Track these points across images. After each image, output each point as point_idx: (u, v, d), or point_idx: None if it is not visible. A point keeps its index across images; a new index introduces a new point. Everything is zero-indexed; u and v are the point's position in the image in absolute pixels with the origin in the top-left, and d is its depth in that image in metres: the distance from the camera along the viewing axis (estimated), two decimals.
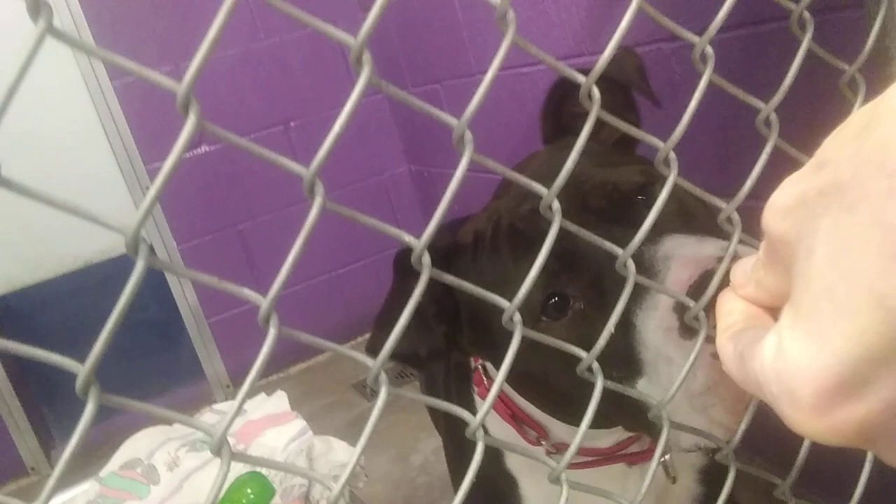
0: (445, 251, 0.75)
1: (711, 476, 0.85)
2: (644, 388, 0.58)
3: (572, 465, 0.79)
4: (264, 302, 0.38)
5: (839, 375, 0.26)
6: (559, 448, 0.81)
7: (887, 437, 0.27)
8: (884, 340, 0.25)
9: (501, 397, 0.85)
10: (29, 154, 2.32)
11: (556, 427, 0.81)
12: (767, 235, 0.33)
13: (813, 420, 0.28)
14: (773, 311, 0.37)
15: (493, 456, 0.87)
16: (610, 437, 0.80)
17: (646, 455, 0.81)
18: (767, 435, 1.29)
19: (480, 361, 0.88)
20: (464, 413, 0.46)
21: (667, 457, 0.79)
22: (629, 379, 0.59)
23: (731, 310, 0.39)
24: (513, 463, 0.88)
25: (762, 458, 1.32)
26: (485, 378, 0.88)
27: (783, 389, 0.29)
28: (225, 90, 2.56)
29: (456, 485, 1.00)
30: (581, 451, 0.79)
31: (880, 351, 0.25)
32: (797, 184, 0.30)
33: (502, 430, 0.85)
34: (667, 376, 0.55)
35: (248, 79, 2.62)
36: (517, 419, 0.84)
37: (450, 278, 0.44)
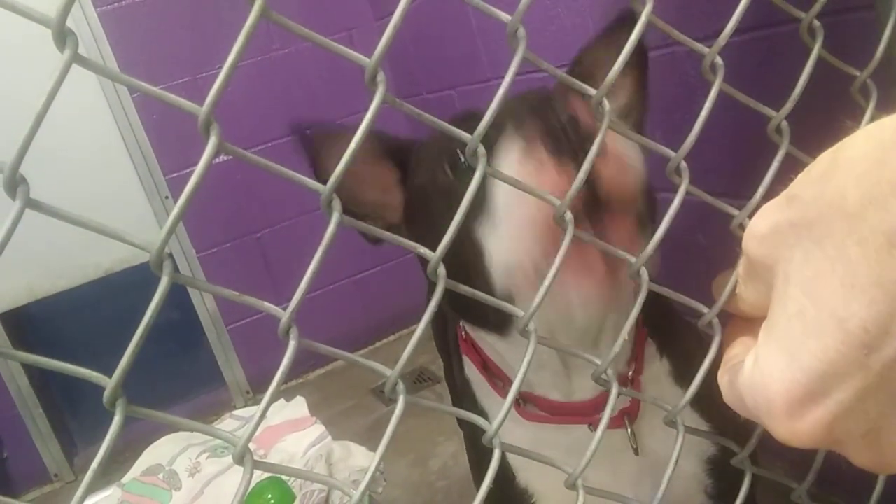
0: (404, 148, 0.86)
1: (721, 467, 0.85)
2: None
3: (531, 417, 0.80)
4: (284, 315, 0.39)
5: (806, 386, 0.31)
6: (526, 398, 0.82)
7: (849, 437, 0.32)
8: (843, 357, 0.30)
9: (473, 345, 0.88)
10: (50, 165, 2.35)
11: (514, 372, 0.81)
12: (746, 256, 0.37)
13: (786, 424, 0.32)
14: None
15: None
16: (558, 391, 0.80)
17: (615, 421, 0.80)
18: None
19: (463, 326, 0.90)
20: (480, 420, 0.47)
21: (629, 429, 0.79)
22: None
23: (735, 354, 0.42)
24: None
25: (782, 461, 1.31)
26: (464, 332, 0.90)
27: (760, 399, 0.34)
28: (241, 100, 2.59)
29: (475, 476, 1.01)
30: (540, 403, 0.80)
31: (840, 366, 0.30)
32: (772, 214, 0.35)
33: (477, 380, 0.89)
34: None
35: (265, 88, 2.64)
36: (487, 370, 0.86)
37: (465, 289, 0.45)
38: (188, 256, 2.62)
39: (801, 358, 0.31)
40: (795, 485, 0.58)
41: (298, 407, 2.05)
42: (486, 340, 0.83)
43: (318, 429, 1.89)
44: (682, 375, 0.85)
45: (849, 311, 0.29)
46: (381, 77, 0.39)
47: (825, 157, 0.33)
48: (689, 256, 1.55)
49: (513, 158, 0.60)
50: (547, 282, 0.46)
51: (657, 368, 0.85)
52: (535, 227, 0.58)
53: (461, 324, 0.91)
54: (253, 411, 2.16)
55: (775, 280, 0.34)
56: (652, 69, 1.53)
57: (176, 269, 0.37)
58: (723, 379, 0.40)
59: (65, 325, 2.62)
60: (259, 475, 1.63)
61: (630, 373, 0.80)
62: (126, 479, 1.86)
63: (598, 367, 0.50)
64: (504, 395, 0.84)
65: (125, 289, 2.53)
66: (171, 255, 0.37)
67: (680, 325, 0.92)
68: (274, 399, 0.38)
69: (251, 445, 0.39)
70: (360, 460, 1.69)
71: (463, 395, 0.96)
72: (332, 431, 1.90)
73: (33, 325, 2.57)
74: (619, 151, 0.59)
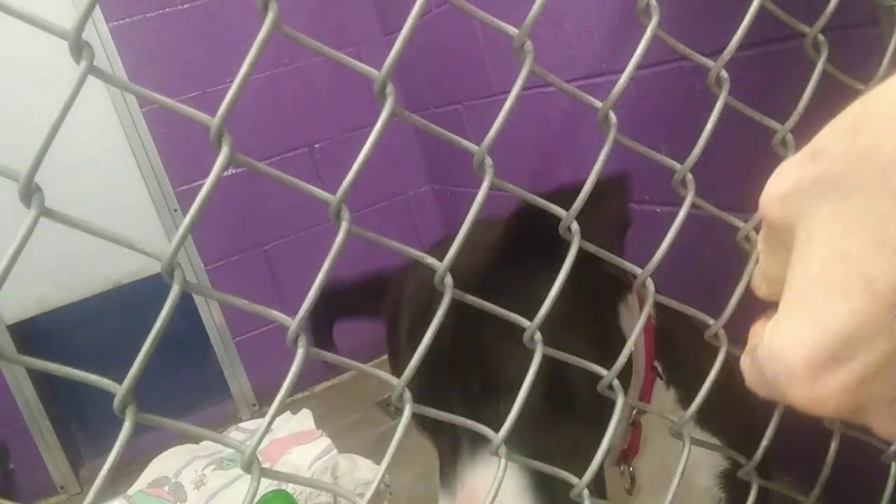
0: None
1: (734, 481, 0.84)
2: None
3: None
4: (293, 323, 0.39)
5: (830, 349, 0.29)
6: None
7: (874, 404, 0.30)
8: (871, 319, 0.28)
9: None
10: (60, 179, 2.37)
11: None
12: (766, 222, 0.35)
13: (808, 390, 0.30)
14: None
15: None
16: None
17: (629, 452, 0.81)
18: (794, 453, 1.27)
19: None
20: (487, 431, 0.47)
21: (622, 467, 0.79)
22: None
23: (755, 332, 0.40)
24: None
25: (790, 475, 1.30)
26: None
27: (779, 365, 0.31)
28: (251, 113, 2.60)
29: None
30: None
31: (868, 328, 0.28)
32: (794, 172, 0.32)
33: None
34: None
35: (274, 102, 2.66)
36: None
37: (472, 298, 0.45)
38: (196, 269, 2.63)
39: (824, 320, 0.29)
40: (802, 497, 0.57)
41: (304, 419, 2.05)
42: None
43: (324, 441, 1.89)
44: (691, 398, 0.84)
45: (878, 271, 0.27)
46: (389, 89, 0.40)
47: (854, 109, 0.30)
48: (695, 270, 1.55)
49: None
50: None
51: (663, 399, 0.85)
52: None
53: None
54: (259, 423, 2.16)
55: (796, 241, 0.32)
56: (658, 84, 1.54)
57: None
58: (744, 361, 0.39)
59: (73, 336, 2.63)
60: (265, 488, 1.63)
61: (633, 412, 0.79)
62: (132, 490, 1.86)
63: (605, 378, 0.50)
64: None
65: (134, 301, 2.54)
66: (181, 266, 0.38)
67: (686, 344, 0.91)
68: (282, 406, 0.39)
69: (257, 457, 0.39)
70: (365, 473, 1.68)
71: None
72: (338, 444, 1.90)
73: (42, 336, 2.59)
74: None
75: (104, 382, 0.38)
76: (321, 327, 0.88)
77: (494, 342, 0.64)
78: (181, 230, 0.36)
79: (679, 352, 0.89)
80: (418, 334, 0.43)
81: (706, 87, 0.53)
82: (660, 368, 0.84)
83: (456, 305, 0.44)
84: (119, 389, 0.36)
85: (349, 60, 0.40)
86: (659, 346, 0.81)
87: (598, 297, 0.72)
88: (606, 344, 0.67)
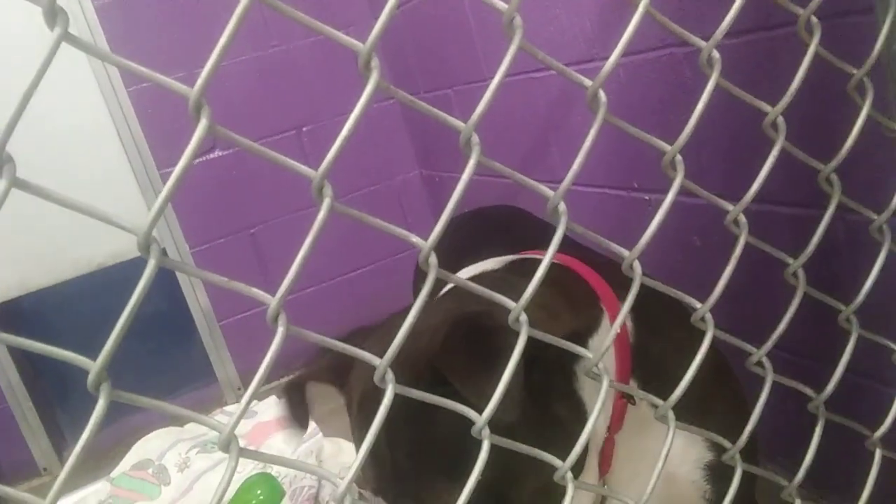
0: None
1: (719, 472, 0.84)
2: None
3: None
4: (273, 301, 0.39)
5: None
6: None
7: None
8: None
9: None
10: (44, 159, 2.34)
11: None
12: None
13: None
14: None
15: None
16: None
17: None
18: (778, 440, 1.28)
19: None
20: (469, 412, 0.46)
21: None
22: None
23: None
24: None
25: (774, 464, 1.31)
26: None
27: None
28: (238, 96, 2.58)
29: None
30: None
31: None
32: None
33: None
34: None
35: (261, 84, 2.63)
36: None
37: (453, 277, 0.44)
38: (181, 251, 2.61)
39: None
40: (786, 483, 0.57)
41: None
42: None
43: (310, 426, 1.88)
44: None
45: None
46: (374, 63, 0.39)
47: None
48: (684, 257, 1.55)
49: None
50: None
51: (637, 409, 0.83)
52: None
53: None
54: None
55: None
56: (647, 71, 1.53)
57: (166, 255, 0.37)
58: None
59: (56, 318, 2.60)
60: (249, 471, 1.62)
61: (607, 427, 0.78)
62: (115, 473, 1.85)
63: (590, 361, 0.50)
64: None
65: (117, 283, 2.52)
66: (157, 241, 0.37)
67: (666, 356, 0.86)
68: (263, 380, 0.38)
69: (241, 441, 0.38)
70: (350, 457, 1.68)
71: None
72: (324, 429, 1.89)
73: (24, 318, 2.56)
74: None
75: (78, 359, 0.37)
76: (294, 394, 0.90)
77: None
78: (157, 202, 0.35)
79: (657, 365, 0.88)
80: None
81: (697, 74, 0.53)
82: (636, 385, 0.82)
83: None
84: (93, 366, 0.36)
85: (333, 32, 0.39)
86: (637, 363, 0.80)
87: (548, 381, 0.69)
88: (560, 423, 0.67)
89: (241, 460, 1.44)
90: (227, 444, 0.38)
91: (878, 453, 0.67)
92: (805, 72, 0.53)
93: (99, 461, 2.06)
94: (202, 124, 0.35)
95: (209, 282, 0.39)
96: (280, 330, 0.39)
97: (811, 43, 0.56)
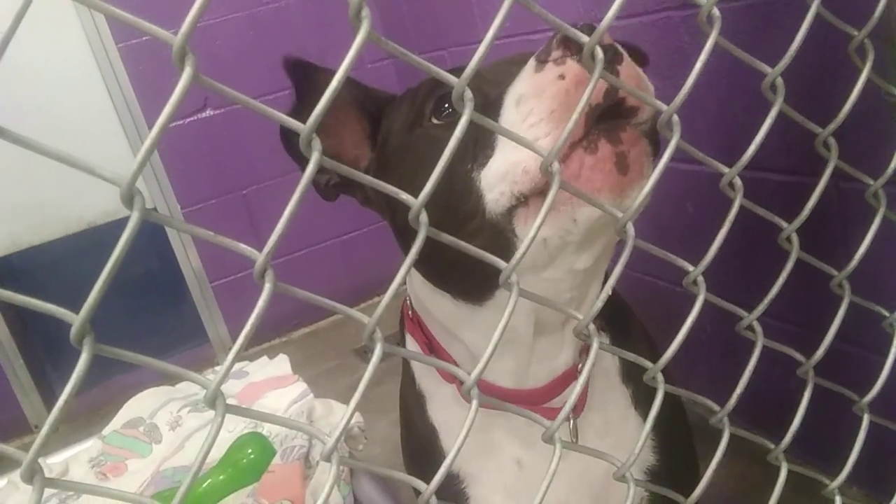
0: (379, 100, 0.83)
1: (657, 480, 0.83)
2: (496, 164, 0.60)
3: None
4: (260, 256, 0.38)
5: None
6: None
7: None
8: None
9: (419, 323, 0.85)
10: (34, 118, 2.33)
11: (462, 354, 0.80)
12: None
13: None
14: None
15: (419, 406, 0.89)
16: (513, 377, 0.78)
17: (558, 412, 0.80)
18: (764, 404, 1.29)
19: (410, 304, 0.88)
20: (458, 371, 0.46)
21: (571, 420, 0.77)
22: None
23: None
24: (434, 413, 0.88)
25: (758, 429, 1.33)
26: (410, 311, 0.88)
27: None
28: (231, 55, 2.54)
29: (402, 438, 0.99)
30: (484, 389, 0.77)
31: None
32: None
33: (421, 365, 0.88)
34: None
35: (255, 43, 2.60)
36: (433, 351, 0.83)
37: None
38: (173, 212, 2.59)
39: None
40: (772, 445, 0.58)
41: (281, 364, 2.04)
42: (447, 315, 0.79)
43: (300, 386, 1.88)
44: (630, 375, 0.85)
45: None
46: (365, 12, 0.38)
47: None
48: (677, 224, 1.55)
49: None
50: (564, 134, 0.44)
51: (608, 363, 0.85)
52: (549, 116, 0.56)
53: (408, 301, 0.88)
54: (235, 367, 2.16)
55: None
56: (646, 34, 1.51)
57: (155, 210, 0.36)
58: None
59: (46, 276, 2.60)
60: (240, 430, 1.63)
61: (580, 365, 0.78)
62: (106, 431, 1.85)
63: (581, 322, 0.49)
64: (448, 378, 0.82)
65: (108, 242, 2.47)
66: (141, 193, 0.36)
67: (634, 325, 0.91)
68: (248, 339, 0.37)
69: (232, 400, 0.38)
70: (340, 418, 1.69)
71: (404, 375, 0.94)
72: (315, 391, 1.90)
73: (14, 275, 2.55)
74: (636, 70, 0.57)
75: (61, 312, 0.36)
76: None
77: None
78: (141, 152, 0.34)
79: (630, 321, 0.91)
80: None
81: (694, 37, 0.52)
82: (608, 333, 0.85)
83: None
84: (76, 319, 0.35)
85: None
86: (610, 309, 0.79)
87: None
88: None
89: (234, 421, 1.43)
90: (213, 399, 0.38)
91: (865, 418, 0.68)
92: (806, 31, 0.52)
93: (90, 419, 2.07)
94: (186, 72, 0.34)
95: (195, 235, 0.38)
96: (267, 286, 0.38)
97: (812, 3, 0.55)
